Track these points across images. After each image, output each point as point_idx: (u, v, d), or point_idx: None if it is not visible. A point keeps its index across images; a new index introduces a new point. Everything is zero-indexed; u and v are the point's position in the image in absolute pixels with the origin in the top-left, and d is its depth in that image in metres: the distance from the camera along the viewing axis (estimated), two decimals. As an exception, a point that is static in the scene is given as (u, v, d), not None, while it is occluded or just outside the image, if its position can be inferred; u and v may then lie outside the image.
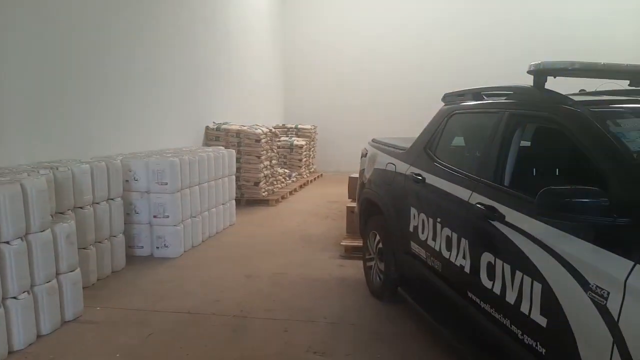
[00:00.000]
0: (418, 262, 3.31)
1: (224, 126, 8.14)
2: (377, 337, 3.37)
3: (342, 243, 5.36)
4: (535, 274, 2.10)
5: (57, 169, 3.84)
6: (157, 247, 5.18)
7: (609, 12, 11.51)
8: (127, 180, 4.97)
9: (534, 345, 2.12)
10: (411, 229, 3.38)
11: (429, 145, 3.50)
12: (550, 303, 2.00)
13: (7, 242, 3.05)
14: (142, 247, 5.16)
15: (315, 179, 11.28)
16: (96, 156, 4.91)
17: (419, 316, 3.34)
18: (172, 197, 5.14)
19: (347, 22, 12.55)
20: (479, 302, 2.55)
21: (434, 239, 3.06)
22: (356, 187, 4.82)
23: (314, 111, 12.65)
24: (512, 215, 2.32)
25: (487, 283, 2.46)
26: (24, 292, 3.14)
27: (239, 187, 7.61)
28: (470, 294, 2.64)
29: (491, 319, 2.44)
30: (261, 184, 8.02)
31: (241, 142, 7.94)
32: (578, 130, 2.23)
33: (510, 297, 2.27)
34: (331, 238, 5.97)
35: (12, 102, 4.10)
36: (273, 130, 8.62)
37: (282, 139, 10.13)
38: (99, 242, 4.35)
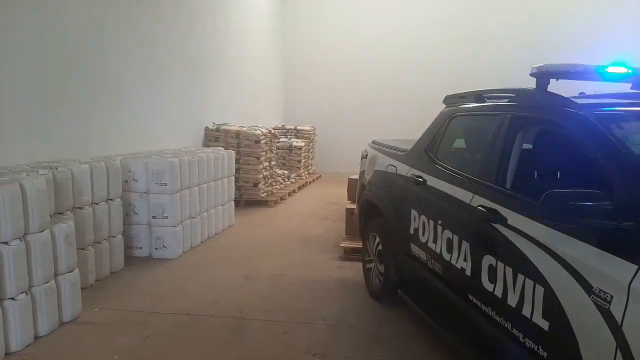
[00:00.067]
0: (418, 265, 3.30)
1: (223, 127, 8.13)
2: (376, 339, 3.35)
3: (341, 244, 5.34)
4: (537, 276, 2.09)
5: (56, 169, 3.82)
6: (156, 248, 5.16)
7: (609, 13, 11.51)
8: (126, 181, 4.95)
9: (536, 349, 2.10)
10: (411, 231, 3.37)
11: (430, 148, 3.49)
12: (553, 306, 1.99)
13: (6, 243, 3.03)
14: (140, 247, 5.14)
15: (314, 180, 11.27)
16: (95, 156, 4.89)
17: (419, 318, 3.33)
18: (172, 198, 5.13)
19: (347, 22, 12.53)
20: (480, 304, 2.54)
21: (434, 241, 3.05)
22: (355, 189, 4.81)
23: (314, 111, 12.62)
24: (514, 217, 2.31)
25: (488, 286, 2.44)
26: (22, 292, 3.12)
27: (238, 188, 7.59)
28: (471, 297, 2.63)
29: (492, 322, 2.43)
30: (260, 185, 8.01)
31: (241, 143, 7.92)
32: (581, 133, 2.23)
33: (512, 300, 2.26)
34: (330, 239, 5.96)
35: (12, 102, 4.09)
36: (272, 131, 8.61)
37: (282, 140, 10.12)
38: (98, 242, 4.33)
